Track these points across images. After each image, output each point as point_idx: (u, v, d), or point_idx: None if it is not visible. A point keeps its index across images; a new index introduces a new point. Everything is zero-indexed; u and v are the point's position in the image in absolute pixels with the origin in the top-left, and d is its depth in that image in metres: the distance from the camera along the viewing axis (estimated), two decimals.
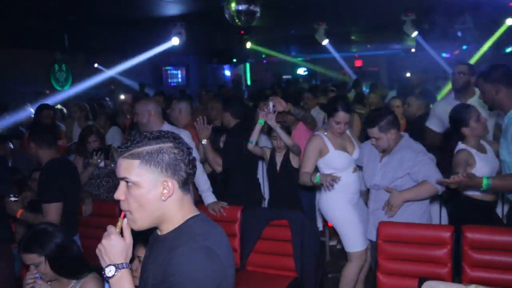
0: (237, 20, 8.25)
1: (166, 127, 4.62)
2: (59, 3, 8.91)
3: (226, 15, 8.25)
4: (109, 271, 1.79)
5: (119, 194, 1.83)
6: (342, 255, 5.88)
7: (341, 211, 4.51)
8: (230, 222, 4.48)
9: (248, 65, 22.33)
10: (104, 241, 1.82)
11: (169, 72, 20.40)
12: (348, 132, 4.69)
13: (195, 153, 3.91)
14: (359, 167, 4.61)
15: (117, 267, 1.80)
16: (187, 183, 1.86)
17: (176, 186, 1.82)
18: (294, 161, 4.98)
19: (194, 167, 1.87)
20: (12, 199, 4.26)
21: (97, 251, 1.83)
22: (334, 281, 5.29)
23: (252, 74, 22.58)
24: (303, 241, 4.41)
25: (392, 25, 12.99)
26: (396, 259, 4.04)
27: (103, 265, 1.81)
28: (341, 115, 4.41)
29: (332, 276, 5.54)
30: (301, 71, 22.10)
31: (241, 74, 21.65)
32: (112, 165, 5.46)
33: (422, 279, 3.59)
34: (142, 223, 1.83)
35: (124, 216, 1.87)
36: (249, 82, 21.63)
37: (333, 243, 6.60)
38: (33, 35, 12.25)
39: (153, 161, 1.78)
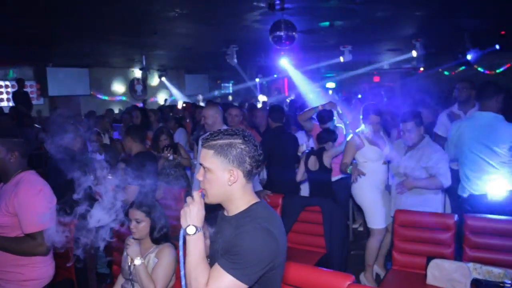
0: (279, 43, 8.24)
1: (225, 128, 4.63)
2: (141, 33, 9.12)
3: (270, 38, 8.25)
4: (191, 230, 1.83)
5: (199, 175, 1.90)
6: (363, 236, 5.83)
7: (369, 194, 4.64)
8: (272, 207, 4.44)
9: (286, 80, 22.26)
10: (191, 205, 1.86)
11: (222, 85, 20.61)
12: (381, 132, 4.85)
13: None
14: (388, 162, 4.72)
15: (197, 228, 1.84)
16: (251, 175, 1.88)
17: (241, 175, 1.85)
18: (326, 161, 4.94)
19: (259, 161, 1.88)
20: (110, 177, 4.36)
21: (182, 212, 1.87)
22: (356, 257, 5.27)
23: (290, 87, 22.51)
24: (332, 223, 4.40)
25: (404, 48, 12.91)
26: (408, 240, 4.01)
27: (184, 225, 1.85)
28: (373, 118, 4.64)
29: (354, 253, 5.48)
30: (330, 85, 21.89)
31: (280, 87, 21.66)
32: (179, 159, 5.54)
33: (430, 258, 3.61)
34: (213, 199, 1.89)
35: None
36: (287, 93, 21.57)
37: (355, 226, 6.55)
38: (118, 56, 12.55)
39: (223, 152, 1.83)
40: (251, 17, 8.48)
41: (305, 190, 5.61)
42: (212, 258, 1.92)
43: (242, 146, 1.84)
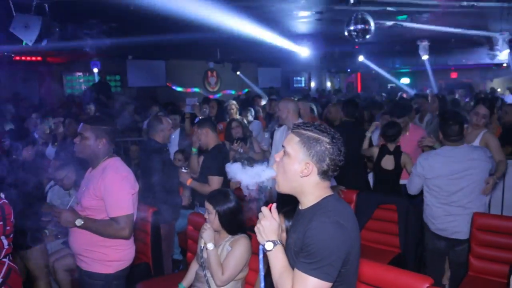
0: (353, 37, 8.06)
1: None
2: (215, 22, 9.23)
3: (345, 33, 8.08)
4: (269, 246, 1.84)
5: (277, 156, 1.91)
6: None
7: None
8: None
9: (359, 74, 21.85)
10: (262, 221, 1.87)
11: (294, 78, 20.54)
12: None
13: None
14: None
15: (274, 242, 1.84)
16: (327, 174, 1.85)
17: (315, 171, 1.83)
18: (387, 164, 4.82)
19: (337, 166, 1.86)
20: (184, 170, 4.50)
21: (255, 229, 1.89)
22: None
23: (362, 82, 22.09)
24: (407, 223, 4.29)
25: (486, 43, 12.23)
26: (487, 245, 3.79)
27: (262, 241, 1.86)
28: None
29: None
30: (404, 80, 21.24)
31: (353, 82, 21.31)
32: (251, 153, 5.57)
33: None
34: (283, 188, 1.89)
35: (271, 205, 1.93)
36: (359, 89, 21.16)
37: None
38: (193, 48, 12.80)
39: (308, 144, 1.82)
40: (325, 10, 8.35)
41: None
42: (287, 251, 1.91)
43: (328, 146, 1.82)
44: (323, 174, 1.84)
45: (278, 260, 1.83)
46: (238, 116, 7.78)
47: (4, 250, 3.05)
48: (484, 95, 12.15)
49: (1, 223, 2.89)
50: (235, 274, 3.07)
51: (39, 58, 12.60)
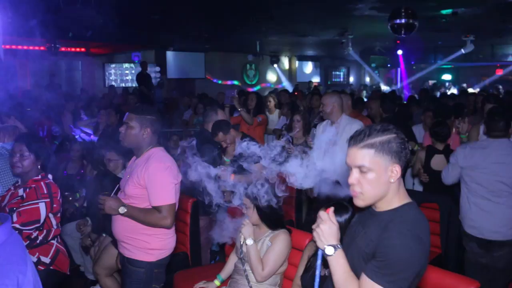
0: (398, 31, 7.90)
1: (344, 117, 4.52)
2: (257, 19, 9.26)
3: (389, 26, 7.93)
4: (329, 251, 1.79)
5: (353, 179, 1.79)
6: None
7: None
8: None
9: (399, 69, 21.38)
10: (321, 225, 1.82)
11: (333, 72, 20.35)
12: None
13: None
14: None
15: (335, 247, 1.79)
16: (404, 169, 1.80)
17: (400, 170, 1.76)
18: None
19: (408, 155, 1.79)
20: (222, 167, 4.48)
21: (314, 234, 1.84)
22: None
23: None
24: (450, 223, 4.17)
25: None
26: None
27: (321, 245, 1.81)
28: None
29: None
30: (446, 77, 20.70)
31: (393, 77, 20.92)
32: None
33: None
34: (368, 201, 1.80)
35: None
36: (399, 84, 20.73)
37: None
38: (233, 41, 12.87)
39: (385, 150, 1.74)
40: (368, 3, 8.21)
41: None
42: (352, 249, 1.86)
43: (399, 140, 1.76)
44: (404, 169, 1.79)
45: (340, 265, 1.78)
46: (276, 110, 7.76)
47: (53, 231, 3.17)
48: None
49: (48, 200, 3.07)
50: (275, 270, 3.06)
51: (82, 49, 12.91)
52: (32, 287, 1.70)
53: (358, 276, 1.77)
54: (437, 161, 4.71)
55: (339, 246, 1.80)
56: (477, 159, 3.68)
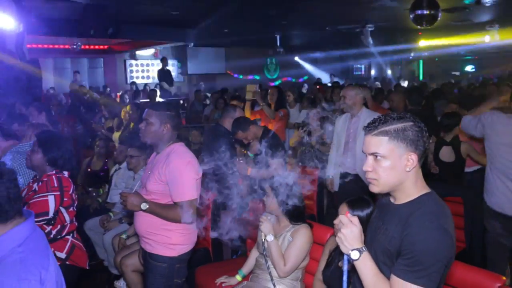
0: (420, 22, 7.76)
1: (364, 110, 4.49)
2: (277, 12, 9.21)
3: (411, 17, 7.79)
4: (355, 255, 1.75)
5: (368, 166, 1.78)
6: None
7: None
8: None
9: (421, 61, 21.03)
10: (343, 230, 1.78)
11: (354, 66, 20.14)
12: None
13: None
14: None
15: (360, 250, 1.75)
16: (422, 158, 1.76)
17: (416, 159, 1.73)
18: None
19: (427, 144, 1.76)
20: (242, 161, 4.48)
21: (337, 239, 1.80)
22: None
23: (425, 70, 21.26)
24: (474, 216, 4.09)
25: None
26: None
27: (345, 250, 1.77)
28: None
29: None
30: (469, 68, 20.29)
31: (415, 70, 20.63)
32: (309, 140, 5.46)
33: None
34: (383, 188, 1.78)
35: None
36: (421, 77, 20.39)
37: None
38: (253, 36, 12.85)
39: (400, 137, 1.72)
40: None
41: None
42: (375, 245, 1.83)
43: (416, 129, 1.73)
44: (420, 158, 1.75)
45: (367, 268, 1.74)
46: (296, 103, 7.72)
47: (68, 227, 3.18)
48: None
49: (58, 193, 3.08)
50: (297, 265, 3.05)
51: (105, 47, 13.06)
52: (54, 282, 1.72)
53: (383, 272, 1.75)
54: (445, 153, 4.64)
55: (364, 249, 1.75)
56: (499, 127, 3.61)
